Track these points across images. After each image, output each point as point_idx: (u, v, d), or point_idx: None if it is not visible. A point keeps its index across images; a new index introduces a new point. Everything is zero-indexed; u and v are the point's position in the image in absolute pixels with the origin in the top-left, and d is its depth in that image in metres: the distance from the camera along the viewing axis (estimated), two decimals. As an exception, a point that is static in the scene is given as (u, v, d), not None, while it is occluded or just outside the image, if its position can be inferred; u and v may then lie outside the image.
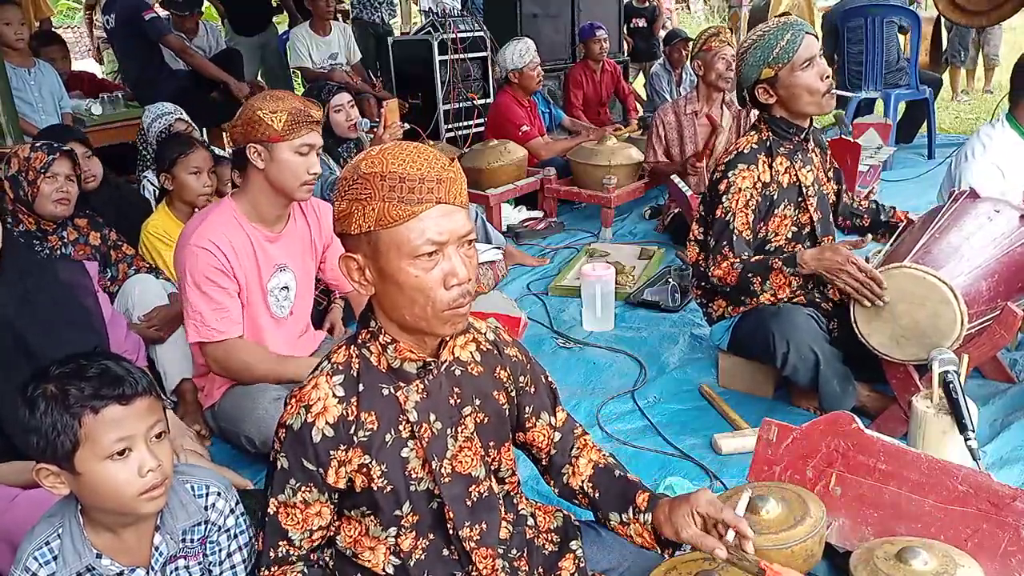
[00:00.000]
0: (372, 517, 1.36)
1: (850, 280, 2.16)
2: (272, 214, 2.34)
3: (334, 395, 1.29)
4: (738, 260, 2.34)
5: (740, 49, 2.41)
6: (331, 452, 1.29)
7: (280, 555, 1.35)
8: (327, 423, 1.28)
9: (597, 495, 1.52)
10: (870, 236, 2.71)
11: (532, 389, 1.52)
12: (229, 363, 2.29)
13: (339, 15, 6.36)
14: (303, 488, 1.31)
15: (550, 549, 1.52)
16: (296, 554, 1.36)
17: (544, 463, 1.58)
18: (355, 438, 1.30)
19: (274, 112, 2.17)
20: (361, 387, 1.31)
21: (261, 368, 2.30)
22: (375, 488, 1.33)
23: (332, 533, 1.41)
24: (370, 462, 1.31)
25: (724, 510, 1.33)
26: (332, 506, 1.35)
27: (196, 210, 2.97)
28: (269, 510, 1.34)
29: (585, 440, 1.60)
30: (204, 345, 2.28)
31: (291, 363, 2.34)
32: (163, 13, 5.81)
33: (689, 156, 4.30)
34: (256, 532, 1.41)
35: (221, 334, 2.25)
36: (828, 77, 2.31)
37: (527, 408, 1.51)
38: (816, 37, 2.35)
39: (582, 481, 1.55)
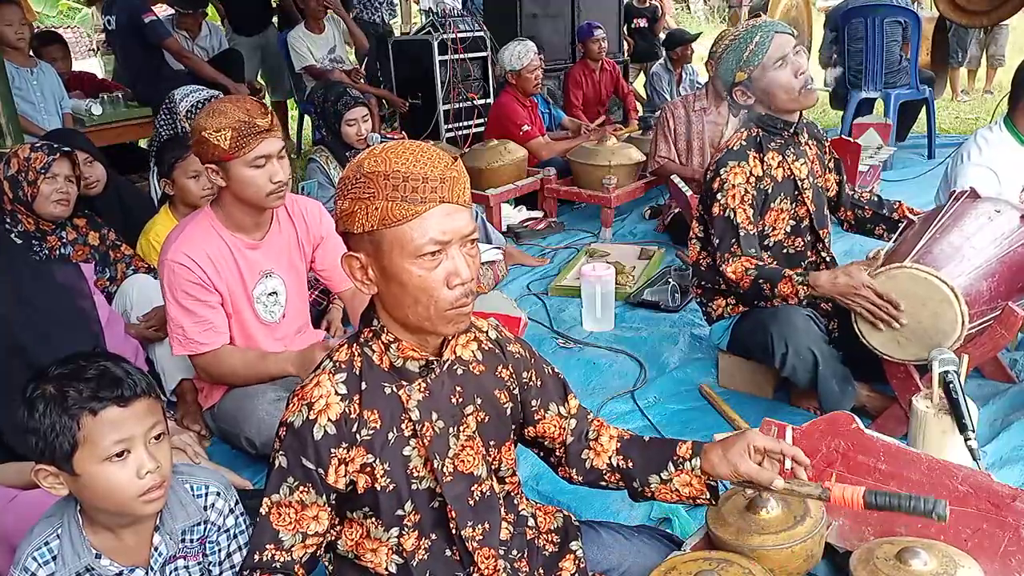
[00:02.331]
0: (374, 518, 1.35)
1: (865, 304, 2.14)
2: (250, 223, 2.31)
3: (336, 392, 1.28)
4: (752, 267, 2.33)
5: (715, 55, 2.42)
6: (332, 450, 1.27)
7: (265, 559, 1.28)
8: (329, 420, 1.27)
9: (630, 465, 1.50)
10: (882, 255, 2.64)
11: (538, 383, 1.51)
12: (215, 370, 2.31)
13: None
14: (300, 488, 1.28)
15: (550, 550, 1.52)
16: (281, 560, 1.29)
17: (560, 453, 1.56)
18: (358, 436, 1.29)
19: (218, 130, 2.08)
20: (364, 385, 1.30)
21: (245, 371, 2.31)
22: (378, 487, 1.32)
23: (331, 538, 1.38)
24: (373, 461, 1.30)
25: (780, 442, 1.37)
26: (330, 511, 1.32)
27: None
28: (261, 510, 1.30)
29: (600, 421, 1.59)
30: (191, 356, 2.30)
31: (271, 359, 2.31)
32: (164, 14, 5.81)
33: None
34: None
35: (204, 346, 2.25)
36: (803, 73, 2.32)
37: (534, 402, 1.51)
38: (792, 35, 2.36)
39: (609, 457, 1.53)
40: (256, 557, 1.29)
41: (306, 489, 1.28)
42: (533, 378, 1.51)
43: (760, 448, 1.38)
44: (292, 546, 1.29)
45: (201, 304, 2.23)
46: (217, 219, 2.28)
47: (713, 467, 1.42)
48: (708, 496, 1.47)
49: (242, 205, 2.25)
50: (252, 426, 2.26)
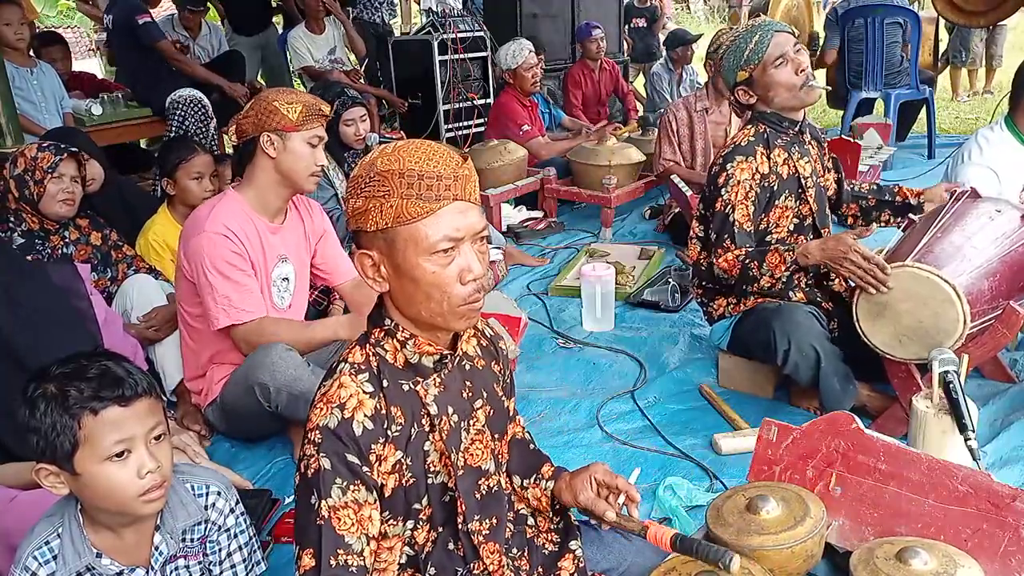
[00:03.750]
0: (392, 520, 1.35)
1: (854, 268, 2.16)
2: (276, 205, 2.38)
3: (363, 391, 1.28)
4: (742, 254, 2.35)
5: (717, 56, 2.44)
6: (372, 446, 1.26)
7: (339, 564, 1.22)
8: (365, 416, 1.26)
9: (506, 460, 1.56)
10: (874, 226, 2.54)
11: (509, 380, 1.56)
12: (258, 339, 2.30)
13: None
14: (351, 487, 1.24)
15: (550, 549, 1.52)
16: (356, 564, 1.23)
17: None
18: (389, 433, 1.29)
19: (290, 103, 2.26)
20: (385, 383, 1.30)
21: (290, 336, 2.31)
22: (403, 484, 1.32)
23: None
24: (403, 457, 1.31)
25: (617, 478, 1.44)
26: (378, 512, 1.29)
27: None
28: (319, 517, 1.22)
29: (516, 419, 1.64)
30: (234, 327, 2.29)
31: (317, 325, 2.39)
32: (166, 13, 5.81)
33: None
34: (297, 551, 1.25)
35: (250, 314, 2.28)
36: (803, 71, 2.33)
37: (507, 400, 1.55)
38: (792, 34, 2.37)
39: None
40: (332, 562, 1.22)
41: (357, 487, 1.25)
42: (509, 376, 1.55)
43: (600, 481, 1.45)
44: (362, 550, 1.24)
45: (242, 273, 2.27)
46: (244, 201, 2.34)
47: (560, 492, 1.50)
48: (552, 515, 1.55)
49: (278, 183, 2.33)
50: (265, 369, 2.22)
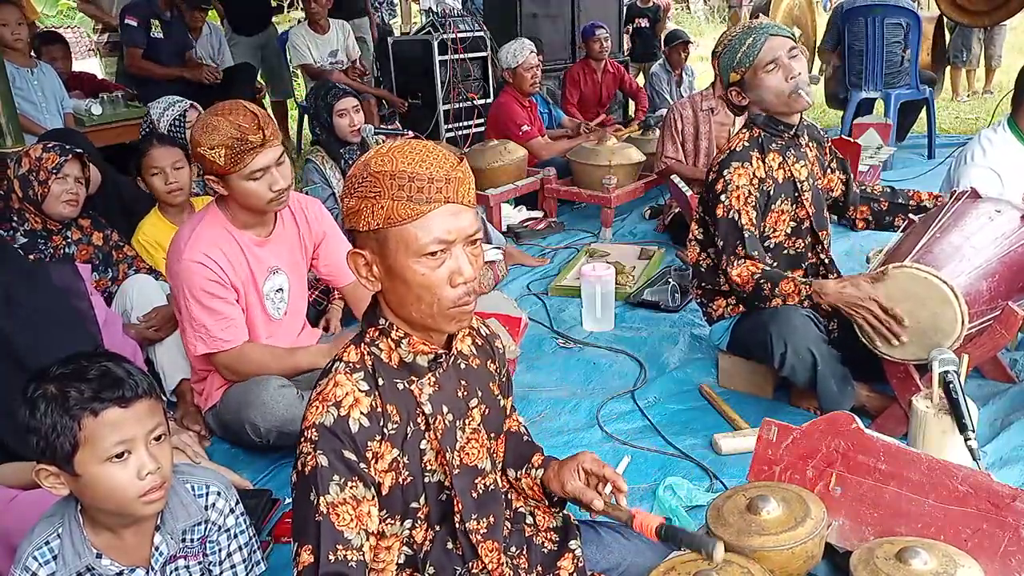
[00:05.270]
0: (390, 519, 1.35)
1: (869, 318, 2.16)
2: (255, 222, 2.34)
3: (359, 389, 1.29)
4: (758, 271, 2.34)
5: (714, 55, 2.44)
6: (368, 443, 1.27)
7: (338, 559, 1.22)
8: (361, 413, 1.27)
9: (502, 453, 1.57)
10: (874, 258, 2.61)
11: (506, 379, 1.56)
12: (241, 367, 2.30)
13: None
14: (350, 483, 1.24)
15: (549, 548, 1.53)
16: (355, 559, 1.23)
17: None
18: (385, 431, 1.30)
19: (212, 148, 2.11)
20: (380, 382, 1.31)
21: (275, 365, 2.32)
22: (400, 482, 1.33)
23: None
24: (399, 455, 1.31)
25: (605, 467, 1.44)
26: (377, 508, 1.29)
27: (188, 206, 2.98)
28: (318, 513, 1.23)
29: (515, 416, 1.65)
30: (213, 355, 2.29)
31: (300, 353, 2.37)
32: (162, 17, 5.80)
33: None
34: (295, 548, 1.25)
35: (228, 343, 2.27)
36: (794, 77, 2.30)
37: (506, 398, 1.55)
38: (792, 38, 2.36)
39: None
40: (331, 557, 1.22)
41: (355, 483, 1.25)
42: (506, 374, 1.55)
43: (588, 470, 1.45)
44: (361, 546, 1.25)
45: (221, 301, 2.25)
46: (226, 217, 2.31)
47: (549, 481, 1.50)
48: (547, 504, 1.56)
49: (243, 210, 2.29)
50: (256, 409, 2.24)
